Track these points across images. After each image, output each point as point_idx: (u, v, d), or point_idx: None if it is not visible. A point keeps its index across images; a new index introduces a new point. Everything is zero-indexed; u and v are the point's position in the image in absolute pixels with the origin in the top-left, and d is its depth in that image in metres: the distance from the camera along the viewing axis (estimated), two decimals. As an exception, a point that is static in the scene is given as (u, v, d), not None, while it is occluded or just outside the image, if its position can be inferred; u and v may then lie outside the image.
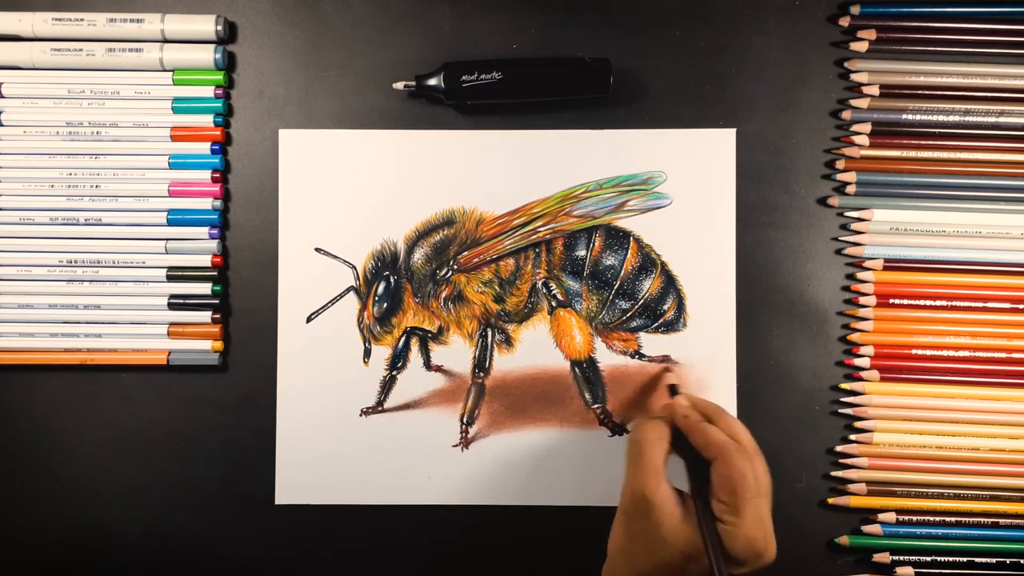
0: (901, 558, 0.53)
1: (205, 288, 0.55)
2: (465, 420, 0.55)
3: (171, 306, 0.55)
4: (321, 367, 0.55)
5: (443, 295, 0.56)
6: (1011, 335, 0.54)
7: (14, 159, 0.55)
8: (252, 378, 0.55)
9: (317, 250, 0.56)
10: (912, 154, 0.54)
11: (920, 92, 0.55)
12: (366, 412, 0.55)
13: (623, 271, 0.55)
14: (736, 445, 0.42)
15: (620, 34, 0.55)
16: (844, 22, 0.55)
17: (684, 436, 0.45)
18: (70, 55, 0.55)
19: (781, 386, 0.55)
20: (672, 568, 0.42)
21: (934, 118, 0.55)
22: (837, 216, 0.55)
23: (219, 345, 0.55)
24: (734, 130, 0.55)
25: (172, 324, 0.55)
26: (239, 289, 0.56)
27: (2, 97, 0.55)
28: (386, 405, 0.55)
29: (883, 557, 0.53)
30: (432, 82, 0.54)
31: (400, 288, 0.56)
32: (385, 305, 0.55)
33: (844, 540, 0.54)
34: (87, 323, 0.55)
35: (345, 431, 0.55)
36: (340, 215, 0.55)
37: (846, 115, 0.55)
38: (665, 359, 0.55)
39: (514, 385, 0.55)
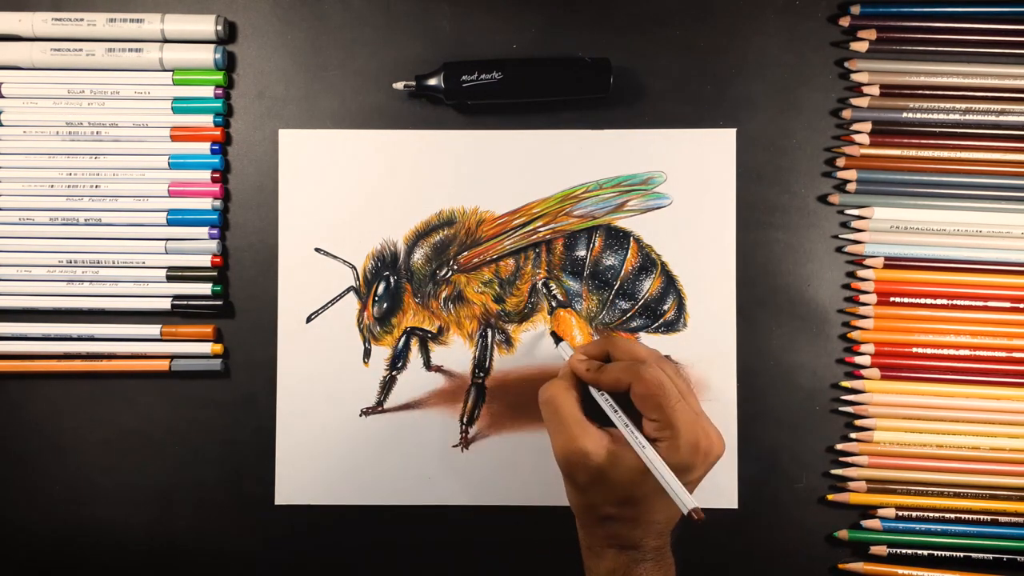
0: (899, 551, 0.53)
1: (205, 288, 0.55)
2: (465, 420, 0.55)
3: (173, 307, 0.55)
4: (321, 367, 0.55)
5: (443, 295, 0.56)
6: (1011, 334, 0.54)
7: (14, 159, 0.55)
8: (252, 378, 0.55)
9: (317, 250, 0.56)
10: (912, 153, 0.54)
11: (920, 92, 0.55)
12: (366, 412, 0.55)
13: (623, 271, 0.55)
14: (640, 364, 0.43)
15: (620, 34, 0.56)
16: (844, 22, 0.55)
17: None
18: (70, 55, 0.55)
19: (781, 385, 0.55)
20: (627, 500, 0.43)
21: (934, 117, 0.55)
22: (837, 214, 0.55)
23: (219, 348, 0.55)
24: (734, 130, 0.55)
25: (164, 325, 0.55)
26: (239, 289, 0.56)
27: (2, 97, 0.55)
28: (386, 405, 0.55)
29: (880, 550, 0.53)
30: (432, 82, 0.54)
31: (400, 288, 0.56)
32: (385, 305, 0.55)
33: (843, 534, 0.54)
34: (87, 323, 0.55)
35: (345, 431, 0.55)
36: (340, 215, 0.55)
37: (846, 114, 0.55)
38: (665, 359, 0.55)
39: (514, 385, 0.55)
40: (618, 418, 0.44)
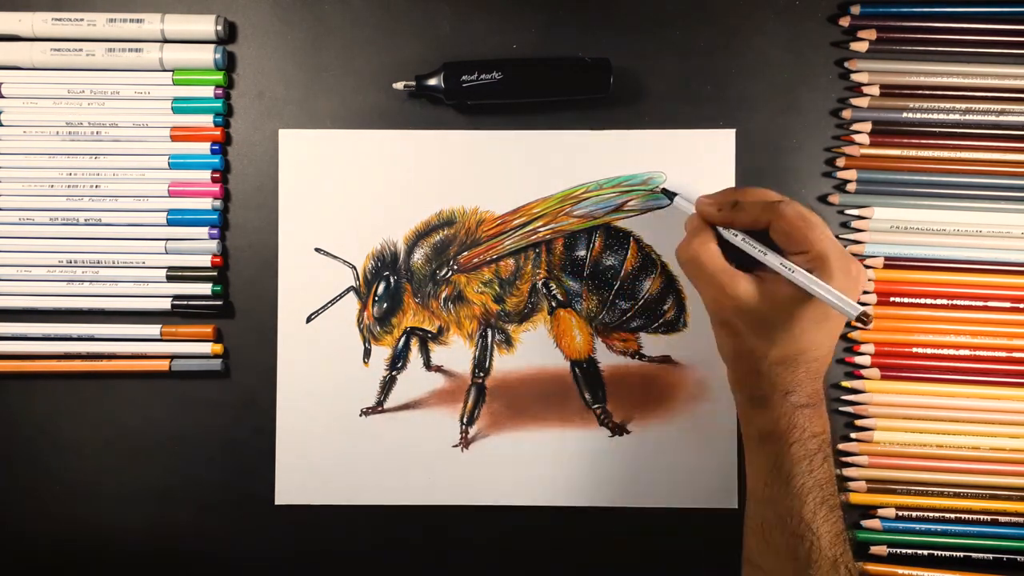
0: (898, 551, 0.53)
1: (205, 288, 0.55)
2: (465, 420, 0.55)
3: (173, 307, 0.55)
4: (321, 367, 0.55)
5: (443, 295, 0.56)
6: (1011, 334, 0.54)
7: (14, 159, 0.55)
8: (252, 378, 0.55)
9: (317, 250, 0.56)
10: (912, 153, 0.54)
11: (920, 92, 0.55)
12: (366, 412, 0.55)
13: (623, 271, 0.55)
14: (778, 202, 0.43)
15: (620, 34, 0.56)
16: (844, 22, 0.55)
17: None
18: (70, 55, 0.55)
19: (781, 385, 0.55)
20: (786, 339, 0.43)
21: (934, 117, 0.55)
22: (838, 214, 0.55)
23: (218, 348, 0.55)
24: (733, 131, 0.55)
25: (164, 326, 0.55)
26: (239, 289, 0.56)
27: (2, 97, 0.55)
28: (386, 405, 0.55)
29: (880, 550, 0.53)
30: (432, 82, 0.54)
31: (400, 288, 0.56)
32: (385, 305, 0.55)
33: (843, 536, 0.54)
34: (87, 323, 0.55)
35: (345, 431, 0.55)
36: (340, 215, 0.55)
37: (846, 114, 0.55)
38: (665, 359, 0.55)
39: (514, 385, 0.55)
40: (758, 251, 0.43)
